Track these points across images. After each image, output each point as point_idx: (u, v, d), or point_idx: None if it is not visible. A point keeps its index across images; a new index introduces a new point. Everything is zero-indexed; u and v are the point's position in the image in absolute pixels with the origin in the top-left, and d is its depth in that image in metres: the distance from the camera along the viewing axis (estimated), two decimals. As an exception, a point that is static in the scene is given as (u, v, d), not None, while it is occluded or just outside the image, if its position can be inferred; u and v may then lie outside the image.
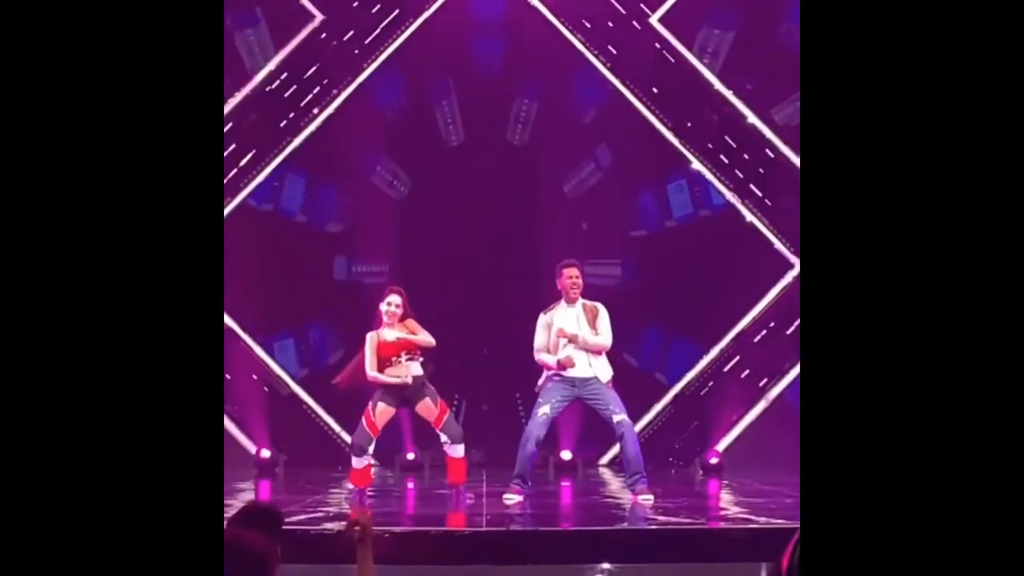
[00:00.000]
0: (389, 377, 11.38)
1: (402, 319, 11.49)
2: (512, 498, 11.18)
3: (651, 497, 11.26)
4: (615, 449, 14.83)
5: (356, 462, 11.44)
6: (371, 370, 11.38)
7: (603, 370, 11.35)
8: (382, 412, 11.34)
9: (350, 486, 11.65)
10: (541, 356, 11.40)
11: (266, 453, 15.28)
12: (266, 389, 15.73)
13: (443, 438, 11.47)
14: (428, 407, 11.40)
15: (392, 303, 11.45)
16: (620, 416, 11.17)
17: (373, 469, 11.91)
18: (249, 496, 12.72)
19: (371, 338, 11.44)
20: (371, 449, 11.40)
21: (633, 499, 11.24)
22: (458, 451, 11.47)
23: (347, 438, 15.14)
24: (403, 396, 11.40)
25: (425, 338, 11.38)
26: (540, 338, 11.41)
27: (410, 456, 15.41)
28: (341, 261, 16.75)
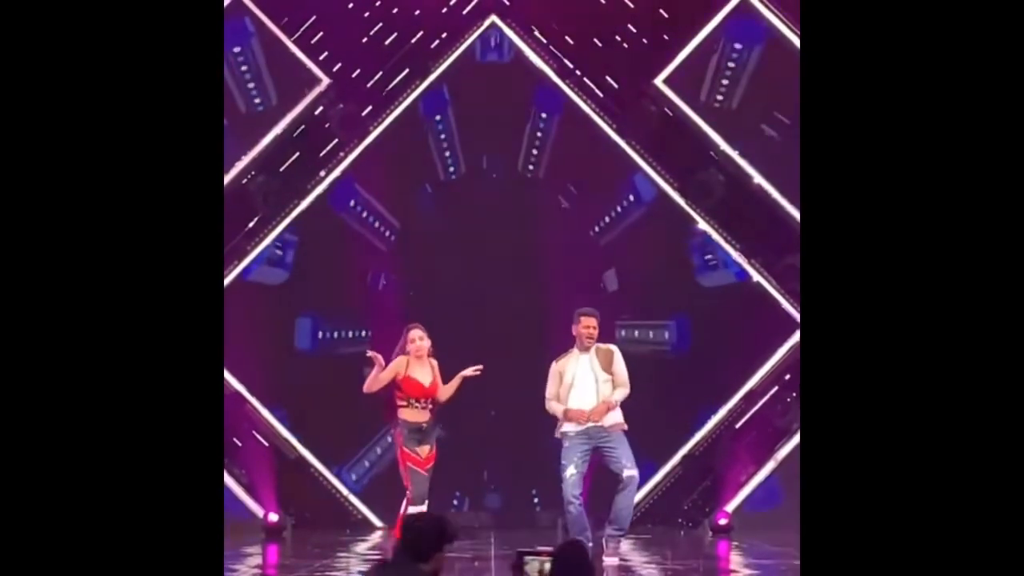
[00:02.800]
0: (406, 415, 11.31)
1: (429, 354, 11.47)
2: None
3: (616, 560, 11.46)
4: None
5: (414, 511, 11.06)
6: (372, 387, 11.28)
7: (616, 417, 11.40)
8: (422, 451, 11.28)
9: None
10: (551, 405, 11.41)
11: (274, 517, 15.12)
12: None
13: (409, 493, 11.35)
14: (425, 451, 11.30)
15: (415, 338, 11.36)
16: (631, 472, 11.29)
17: (378, 533, 11.78)
18: (257, 561, 12.73)
19: (399, 364, 11.32)
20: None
21: (605, 558, 11.31)
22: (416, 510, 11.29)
23: (355, 502, 15.30)
24: (420, 439, 11.30)
25: (446, 392, 11.36)
26: (551, 388, 11.41)
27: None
28: (305, 325, 15.66)
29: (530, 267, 15.52)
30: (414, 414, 11.29)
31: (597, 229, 16.05)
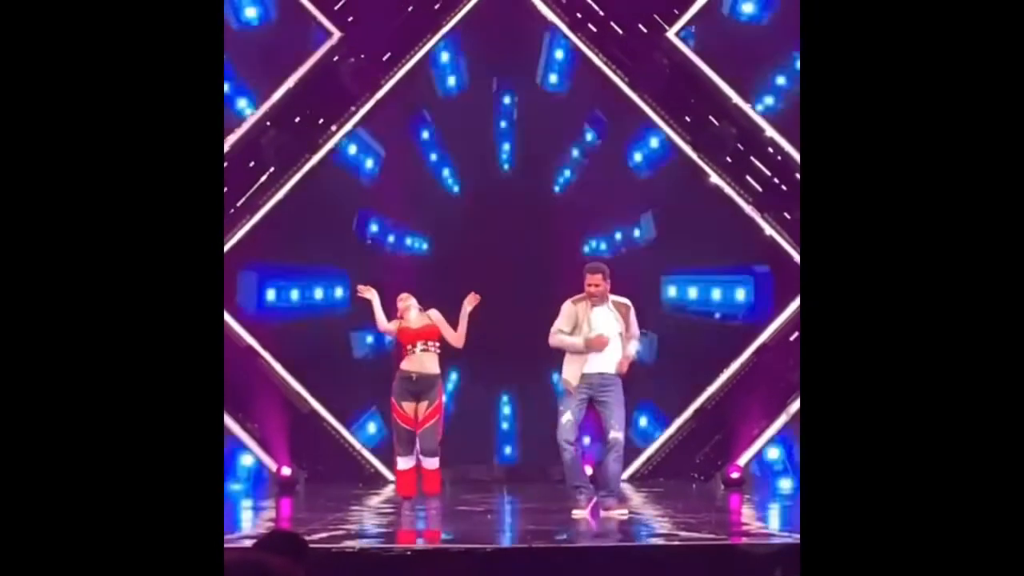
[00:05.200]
0: (402, 364, 11.37)
1: (424, 310, 11.44)
2: (580, 513, 11.05)
3: (625, 512, 11.27)
4: (636, 464, 15.06)
5: (402, 463, 11.44)
6: (384, 323, 11.32)
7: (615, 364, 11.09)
8: (410, 408, 11.33)
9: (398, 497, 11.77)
10: (561, 338, 11.02)
11: (287, 471, 15.09)
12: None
13: (417, 445, 11.38)
14: (423, 407, 11.34)
15: (402, 298, 11.43)
16: (617, 434, 11.01)
17: (390, 487, 11.82)
18: (271, 514, 12.73)
19: (394, 327, 11.39)
20: (418, 447, 11.29)
21: (604, 514, 11.06)
22: (430, 463, 11.42)
23: (368, 455, 15.31)
24: (413, 390, 11.34)
25: (451, 333, 11.30)
26: (563, 323, 11.02)
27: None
28: (249, 281, 14.69)
29: (549, 207, 14.90)
30: (408, 362, 11.36)
31: (632, 163, 15.21)
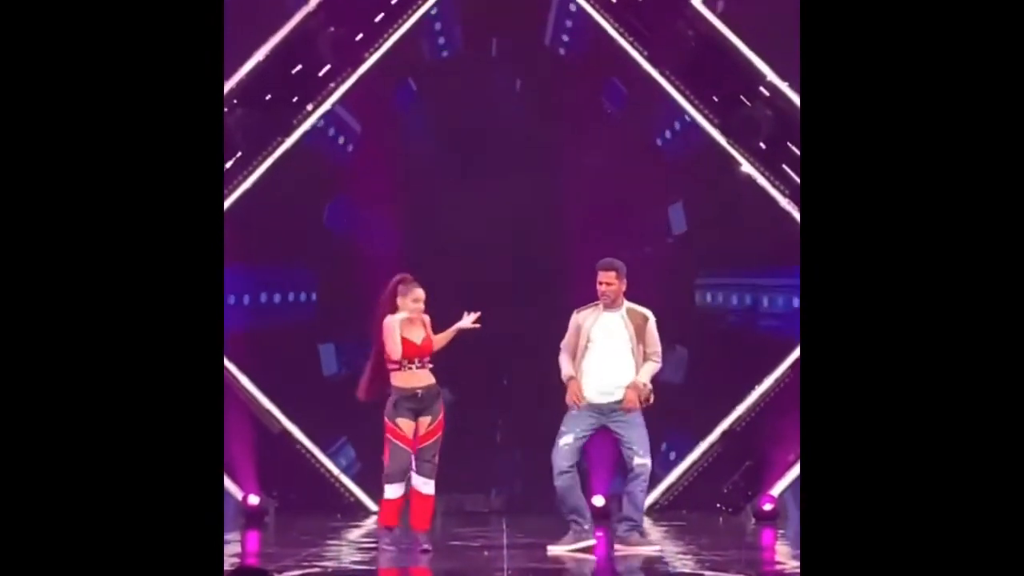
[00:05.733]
0: (398, 380, 10.86)
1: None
2: (558, 549, 10.76)
3: (656, 547, 11.18)
4: (656, 494, 14.54)
5: (391, 491, 10.92)
6: (397, 355, 10.81)
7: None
8: (407, 425, 10.86)
9: (379, 527, 11.28)
10: (562, 358, 10.93)
11: (254, 499, 14.50)
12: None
13: (412, 466, 10.88)
14: (425, 423, 10.87)
15: (420, 299, 10.85)
16: (643, 460, 10.84)
17: (372, 518, 12.05)
18: (235, 549, 12.27)
19: (394, 325, 10.80)
20: (412, 467, 10.91)
21: (625, 550, 10.86)
22: (425, 487, 10.89)
23: (348, 482, 14.83)
24: (416, 408, 10.87)
25: (436, 344, 10.94)
26: (568, 338, 10.93)
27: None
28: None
29: (558, 194, 14.29)
30: (406, 378, 10.89)
31: (662, 141, 14.72)
